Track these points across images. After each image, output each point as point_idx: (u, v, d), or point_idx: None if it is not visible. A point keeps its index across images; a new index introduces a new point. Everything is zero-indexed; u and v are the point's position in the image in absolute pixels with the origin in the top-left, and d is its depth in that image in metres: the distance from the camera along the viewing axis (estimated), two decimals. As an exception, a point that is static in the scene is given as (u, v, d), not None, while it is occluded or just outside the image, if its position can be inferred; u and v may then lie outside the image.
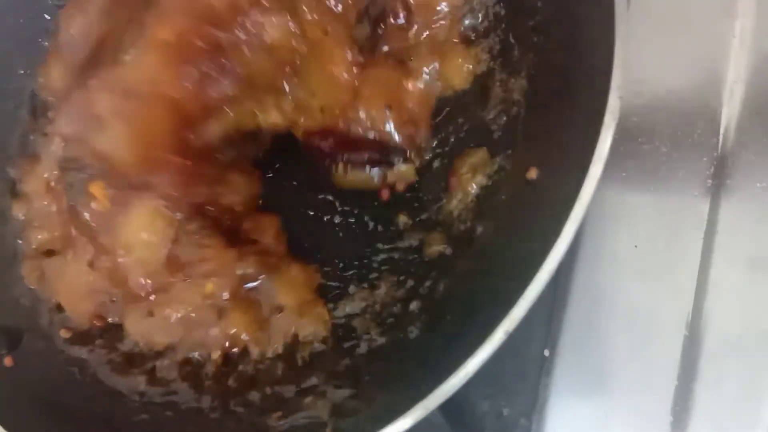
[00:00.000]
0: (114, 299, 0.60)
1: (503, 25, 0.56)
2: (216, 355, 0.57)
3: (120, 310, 0.60)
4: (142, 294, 0.57)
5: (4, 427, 0.51)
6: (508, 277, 0.42)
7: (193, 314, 0.56)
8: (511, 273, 0.42)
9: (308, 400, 0.49)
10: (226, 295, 0.56)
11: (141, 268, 0.55)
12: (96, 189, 0.58)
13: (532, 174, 0.48)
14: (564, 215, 0.40)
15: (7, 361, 0.57)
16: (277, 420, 0.49)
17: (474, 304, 0.46)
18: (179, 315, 0.57)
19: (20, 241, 0.63)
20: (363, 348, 0.52)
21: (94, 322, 0.60)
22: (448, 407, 0.61)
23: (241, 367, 0.56)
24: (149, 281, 0.56)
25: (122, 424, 0.53)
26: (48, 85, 0.64)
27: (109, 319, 0.60)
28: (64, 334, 0.59)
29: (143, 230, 0.54)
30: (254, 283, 0.55)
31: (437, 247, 0.54)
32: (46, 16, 0.71)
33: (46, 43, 0.71)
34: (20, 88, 0.70)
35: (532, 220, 0.45)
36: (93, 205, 0.56)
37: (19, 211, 0.64)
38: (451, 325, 0.47)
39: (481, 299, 0.45)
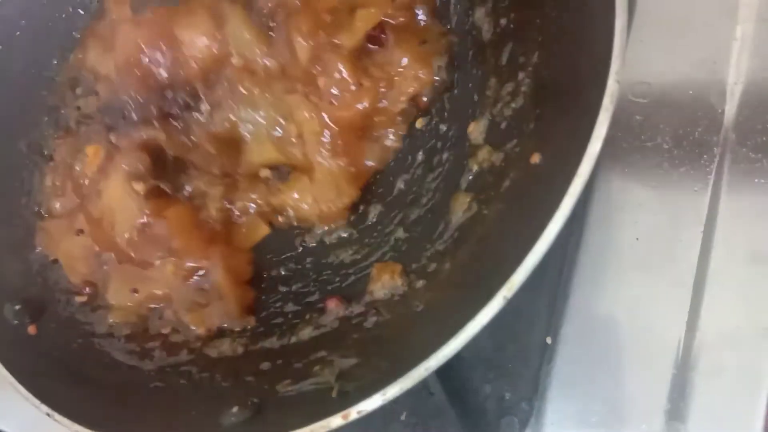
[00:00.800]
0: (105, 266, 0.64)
1: (511, 24, 0.59)
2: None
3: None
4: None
5: (28, 390, 0.54)
6: (509, 248, 0.44)
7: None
8: (513, 245, 0.44)
9: (316, 368, 0.51)
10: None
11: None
12: (91, 150, 0.63)
13: (536, 159, 0.50)
14: (563, 191, 0.42)
15: (31, 329, 0.60)
16: (285, 386, 0.51)
17: (472, 275, 0.48)
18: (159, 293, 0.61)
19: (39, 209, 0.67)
20: (370, 322, 0.54)
21: (86, 287, 0.63)
22: (451, 391, 0.63)
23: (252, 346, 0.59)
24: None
25: (138, 390, 0.56)
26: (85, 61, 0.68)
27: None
28: (78, 299, 0.62)
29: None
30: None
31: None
32: (80, 11, 0.75)
33: (78, 36, 0.75)
34: (53, 77, 0.74)
35: (534, 198, 0.47)
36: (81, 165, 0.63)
37: (48, 181, 0.67)
38: (454, 296, 0.49)
39: (480, 271, 0.47)
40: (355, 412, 0.43)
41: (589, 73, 0.45)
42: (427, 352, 0.42)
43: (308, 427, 0.43)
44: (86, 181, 0.64)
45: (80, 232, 0.64)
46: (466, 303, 0.44)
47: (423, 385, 0.64)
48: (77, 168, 0.65)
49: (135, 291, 0.62)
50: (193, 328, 0.60)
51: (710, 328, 0.60)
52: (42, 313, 0.62)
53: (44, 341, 0.59)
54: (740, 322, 0.59)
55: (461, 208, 0.56)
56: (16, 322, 0.60)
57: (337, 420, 0.43)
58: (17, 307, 0.60)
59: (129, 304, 0.63)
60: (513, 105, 0.56)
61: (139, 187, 0.61)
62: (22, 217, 0.67)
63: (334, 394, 0.46)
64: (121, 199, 0.62)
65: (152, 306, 0.63)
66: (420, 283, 0.54)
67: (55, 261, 0.65)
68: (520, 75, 0.55)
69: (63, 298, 0.64)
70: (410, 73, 0.62)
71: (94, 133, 0.66)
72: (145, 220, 0.61)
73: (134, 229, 0.61)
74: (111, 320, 0.62)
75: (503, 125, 0.56)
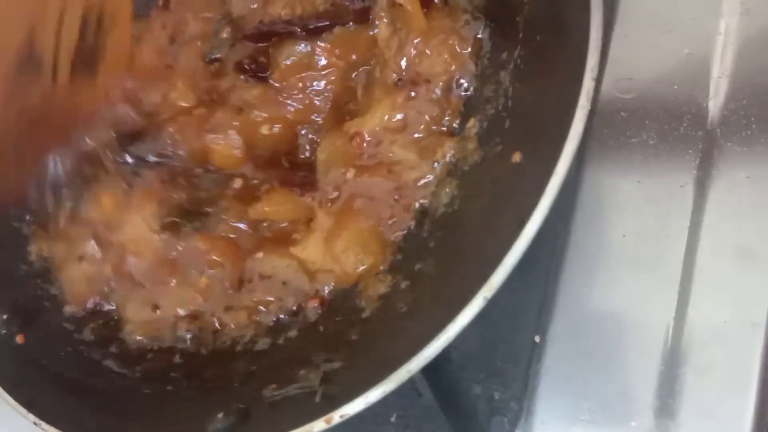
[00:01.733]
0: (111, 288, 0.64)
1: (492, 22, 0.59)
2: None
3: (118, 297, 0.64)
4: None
5: (15, 399, 0.54)
6: (490, 248, 0.44)
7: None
8: (493, 244, 0.44)
9: (302, 372, 0.51)
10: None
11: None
12: (106, 199, 0.63)
13: (516, 158, 0.50)
14: (542, 189, 0.42)
15: (19, 339, 0.60)
16: (272, 391, 0.51)
17: (455, 276, 0.48)
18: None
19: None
20: (355, 324, 0.55)
21: (87, 305, 0.63)
22: (441, 392, 0.64)
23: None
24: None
25: (126, 397, 0.56)
26: None
27: (105, 307, 0.64)
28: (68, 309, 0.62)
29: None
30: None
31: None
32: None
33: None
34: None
35: (514, 197, 0.47)
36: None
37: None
38: (435, 297, 0.49)
39: (462, 271, 0.47)
40: (338, 416, 0.43)
41: (566, 71, 0.45)
42: (409, 354, 0.42)
43: (293, 432, 0.43)
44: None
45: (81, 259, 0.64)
46: (447, 304, 0.44)
47: (412, 387, 0.64)
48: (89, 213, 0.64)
49: (156, 308, 0.62)
50: (233, 326, 0.60)
51: (698, 324, 0.60)
52: (30, 323, 0.62)
53: (32, 350, 0.59)
54: (728, 316, 0.59)
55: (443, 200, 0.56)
56: (3, 331, 0.60)
57: (320, 424, 0.43)
58: (5, 316, 0.60)
59: (148, 320, 0.62)
60: (495, 104, 0.56)
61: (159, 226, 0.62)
62: (8, 227, 0.67)
63: (317, 398, 0.46)
64: (144, 239, 0.62)
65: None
66: (404, 284, 0.54)
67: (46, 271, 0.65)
68: (501, 74, 0.56)
69: (51, 307, 0.64)
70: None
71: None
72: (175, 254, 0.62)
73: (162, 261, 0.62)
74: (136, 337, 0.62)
75: (485, 125, 0.56)
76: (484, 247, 0.48)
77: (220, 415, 0.49)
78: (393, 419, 0.65)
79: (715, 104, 0.65)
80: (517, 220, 0.43)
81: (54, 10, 0.57)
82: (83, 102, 0.63)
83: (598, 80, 0.45)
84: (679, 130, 0.65)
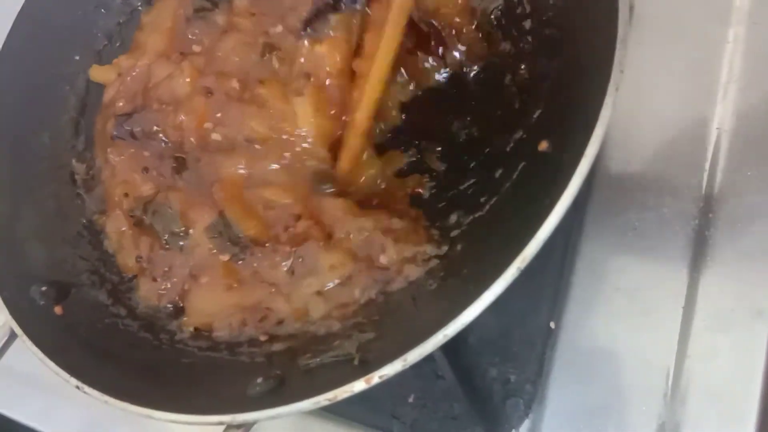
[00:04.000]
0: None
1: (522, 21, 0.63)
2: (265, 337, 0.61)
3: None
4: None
5: (57, 365, 0.56)
6: (522, 225, 0.47)
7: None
8: (525, 221, 0.47)
9: (336, 342, 0.54)
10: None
11: None
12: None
13: (544, 146, 0.54)
14: (572, 170, 0.45)
15: (57, 310, 0.62)
16: (306, 360, 0.53)
17: (489, 252, 0.51)
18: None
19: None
20: (383, 300, 0.57)
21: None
22: (459, 374, 0.66)
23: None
24: None
25: (164, 366, 0.58)
26: None
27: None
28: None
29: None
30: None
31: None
32: (103, 10, 0.78)
33: (100, 34, 0.79)
34: (75, 73, 0.77)
35: (543, 180, 0.50)
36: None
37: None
38: (467, 272, 0.52)
39: (493, 251, 0.50)
40: (377, 376, 0.45)
41: (594, 64, 0.48)
42: (444, 321, 0.45)
43: (332, 392, 0.46)
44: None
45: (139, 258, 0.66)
46: (480, 276, 0.47)
47: (431, 369, 0.67)
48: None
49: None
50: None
51: (706, 311, 0.63)
52: (67, 295, 0.64)
53: (70, 321, 0.62)
54: (734, 305, 0.62)
55: None
56: (42, 302, 0.62)
57: (360, 384, 0.45)
58: (43, 288, 0.63)
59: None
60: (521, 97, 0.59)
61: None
62: (47, 205, 0.70)
63: (355, 362, 0.49)
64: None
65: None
66: (433, 263, 0.57)
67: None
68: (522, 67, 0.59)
69: (88, 282, 0.66)
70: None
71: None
72: None
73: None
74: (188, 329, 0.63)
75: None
76: (514, 227, 0.51)
77: (259, 380, 0.51)
78: (411, 400, 0.67)
79: (723, 108, 0.69)
80: (548, 199, 0.46)
81: None
82: None
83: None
84: (689, 132, 0.69)
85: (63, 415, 0.79)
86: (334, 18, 0.62)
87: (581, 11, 0.53)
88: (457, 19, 0.65)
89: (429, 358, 0.65)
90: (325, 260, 0.58)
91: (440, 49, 0.64)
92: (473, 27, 0.64)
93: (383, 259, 0.57)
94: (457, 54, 0.64)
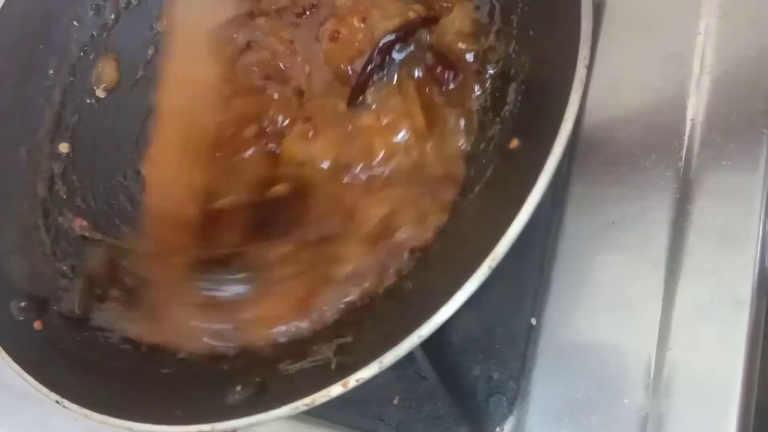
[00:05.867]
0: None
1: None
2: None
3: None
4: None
5: (36, 380, 0.56)
6: (493, 224, 0.47)
7: None
8: (496, 220, 0.47)
9: (315, 347, 0.54)
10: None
11: None
12: None
13: (514, 144, 0.54)
14: (539, 168, 0.46)
15: (37, 325, 0.62)
16: (286, 365, 0.54)
17: (458, 255, 0.51)
18: None
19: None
20: (362, 306, 0.57)
21: None
22: (442, 373, 0.66)
23: None
24: None
25: (145, 377, 0.58)
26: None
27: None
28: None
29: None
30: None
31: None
32: (75, 23, 0.78)
33: (73, 47, 0.79)
34: (51, 86, 0.77)
35: (513, 178, 0.50)
36: None
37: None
38: (442, 272, 0.53)
39: (465, 250, 0.51)
40: (353, 380, 0.46)
41: (560, 61, 0.48)
42: (419, 322, 0.45)
43: (310, 397, 0.46)
44: None
45: None
46: (454, 275, 0.47)
47: (415, 370, 0.67)
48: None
49: None
50: None
51: (686, 303, 0.63)
52: (47, 309, 0.64)
53: (50, 335, 0.62)
54: (714, 296, 0.63)
55: None
56: (21, 317, 0.62)
57: (337, 388, 0.46)
58: (22, 303, 0.63)
59: None
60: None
61: None
62: (25, 220, 0.70)
63: (332, 366, 0.49)
64: None
65: None
66: (411, 265, 0.57)
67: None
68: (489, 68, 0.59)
69: (66, 296, 0.66)
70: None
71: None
72: None
73: None
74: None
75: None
76: (485, 226, 0.51)
77: (238, 388, 0.52)
78: (396, 401, 0.67)
79: (697, 98, 0.69)
80: (517, 197, 0.46)
81: None
82: None
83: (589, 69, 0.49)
84: (664, 123, 0.69)
85: (54, 429, 0.79)
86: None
87: (546, 11, 0.53)
88: None
89: (412, 359, 0.66)
90: None
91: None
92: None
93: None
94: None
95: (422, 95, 0.62)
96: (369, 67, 0.64)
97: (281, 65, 0.70)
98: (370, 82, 0.63)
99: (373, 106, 0.64)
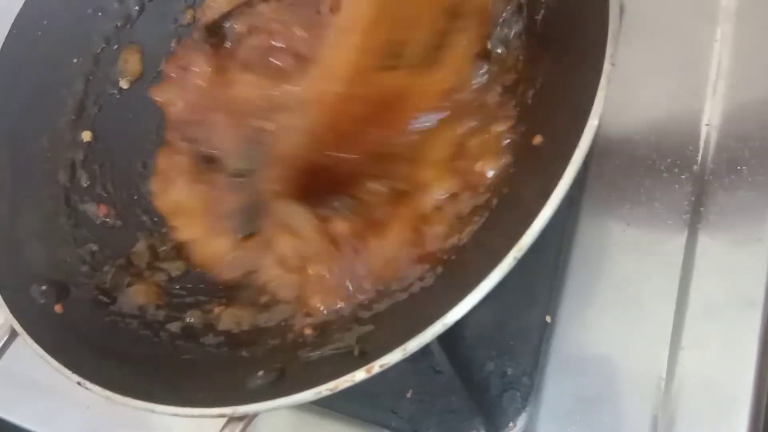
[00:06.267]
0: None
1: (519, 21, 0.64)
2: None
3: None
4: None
5: (58, 362, 0.56)
6: (514, 222, 0.48)
7: None
8: (521, 215, 0.48)
9: (336, 335, 0.55)
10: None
11: None
12: None
13: (537, 140, 0.55)
14: (566, 160, 0.46)
15: (57, 308, 0.63)
16: (307, 353, 0.54)
17: (487, 247, 0.52)
18: None
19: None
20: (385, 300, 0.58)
21: None
22: (457, 368, 0.67)
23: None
24: None
25: (165, 362, 0.59)
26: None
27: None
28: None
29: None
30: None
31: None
32: (99, 13, 0.79)
33: (97, 37, 0.79)
34: (73, 76, 0.77)
35: (537, 173, 0.51)
36: None
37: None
38: (464, 267, 0.53)
39: (493, 242, 0.51)
40: (378, 365, 0.46)
41: (587, 59, 0.49)
42: (444, 310, 0.46)
43: (333, 382, 0.46)
44: None
45: None
46: (477, 268, 0.48)
47: (429, 364, 0.68)
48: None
49: None
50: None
51: (698, 303, 0.64)
52: (67, 294, 0.64)
53: (71, 319, 0.62)
54: (726, 296, 0.63)
55: None
56: (42, 301, 0.63)
57: (361, 374, 0.46)
58: (43, 287, 0.63)
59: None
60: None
61: None
62: (46, 206, 0.70)
63: (356, 353, 0.50)
64: None
65: None
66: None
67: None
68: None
69: (86, 281, 0.67)
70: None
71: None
72: None
73: None
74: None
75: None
76: (508, 223, 0.52)
77: (260, 373, 0.52)
78: (409, 395, 0.68)
79: (713, 104, 0.70)
80: (541, 191, 0.47)
81: None
82: None
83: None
84: (679, 127, 0.70)
85: (64, 418, 0.79)
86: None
87: (573, 9, 0.54)
88: None
89: (427, 353, 0.66)
90: None
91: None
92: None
93: None
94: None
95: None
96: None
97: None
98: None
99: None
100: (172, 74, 0.74)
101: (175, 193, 0.72)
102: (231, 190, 0.68)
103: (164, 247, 0.70)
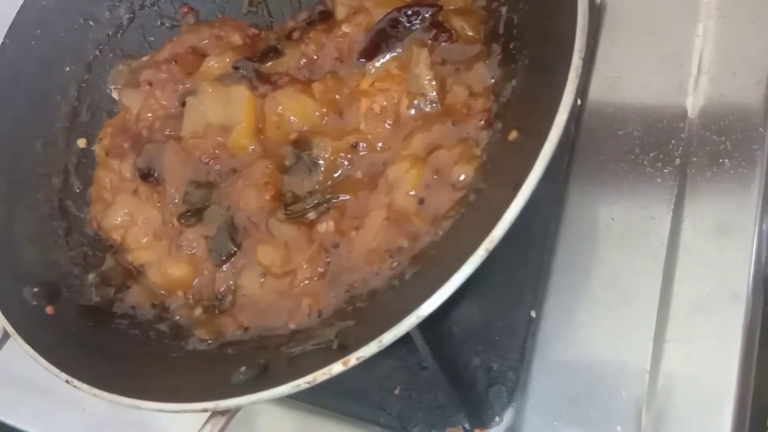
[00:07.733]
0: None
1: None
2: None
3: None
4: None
5: (48, 361, 0.58)
6: (488, 213, 0.49)
7: None
8: (490, 209, 0.49)
9: (318, 331, 0.55)
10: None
11: None
12: None
13: (513, 136, 0.56)
14: (536, 154, 0.47)
15: (49, 310, 0.64)
16: (289, 348, 0.55)
17: (456, 244, 0.53)
18: None
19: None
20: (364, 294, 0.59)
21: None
22: (443, 364, 0.68)
23: None
24: None
25: (152, 360, 0.60)
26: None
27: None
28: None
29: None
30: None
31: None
32: (91, 22, 0.81)
33: (90, 45, 0.81)
34: (67, 83, 0.79)
35: (510, 166, 0.52)
36: None
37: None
38: (440, 260, 0.54)
39: (467, 235, 0.52)
40: (354, 358, 0.47)
41: (557, 52, 0.50)
42: (418, 302, 0.46)
43: (311, 375, 0.47)
44: None
45: None
46: (451, 260, 0.48)
47: (416, 361, 0.69)
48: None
49: None
50: None
51: (683, 297, 0.64)
52: (59, 296, 0.66)
53: (62, 320, 0.63)
54: (711, 289, 0.64)
55: None
56: (34, 303, 0.64)
57: (338, 366, 0.47)
58: (35, 289, 0.65)
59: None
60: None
61: None
62: (40, 210, 0.72)
63: (334, 346, 0.50)
64: None
65: None
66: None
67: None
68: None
69: (78, 283, 0.68)
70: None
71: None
72: None
73: None
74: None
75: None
76: (481, 215, 0.53)
77: (243, 368, 0.53)
78: (397, 391, 0.68)
79: (695, 99, 0.71)
80: (513, 183, 0.48)
81: None
82: None
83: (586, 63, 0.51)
84: (662, 122, 0.71)
85: (60, 420, 0.81)
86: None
87: (545, 5, 0.55)
88: None
89: (413, 350, 0.67)
90: None
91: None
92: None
93: None
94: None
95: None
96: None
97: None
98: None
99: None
100: (148, 82, 0.75)
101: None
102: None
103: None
